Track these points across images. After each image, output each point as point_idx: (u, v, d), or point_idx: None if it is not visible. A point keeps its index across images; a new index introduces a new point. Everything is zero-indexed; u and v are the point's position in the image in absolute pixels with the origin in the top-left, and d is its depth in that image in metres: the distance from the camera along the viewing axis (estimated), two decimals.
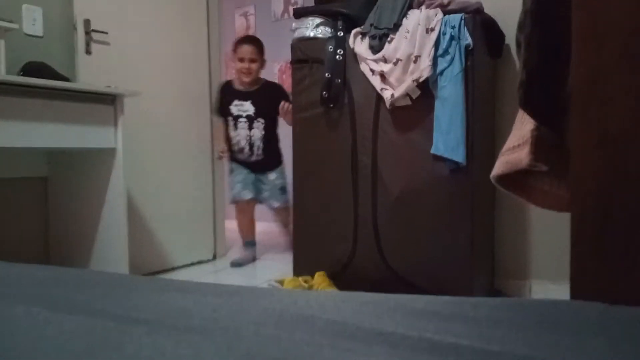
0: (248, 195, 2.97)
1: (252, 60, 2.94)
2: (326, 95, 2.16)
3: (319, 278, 2.09)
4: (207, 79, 3.13)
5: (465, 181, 1.93)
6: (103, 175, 2.26)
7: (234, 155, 3.00)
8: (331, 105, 2.17)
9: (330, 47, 2.16)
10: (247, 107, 2.95)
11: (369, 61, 2.06)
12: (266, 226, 4.34)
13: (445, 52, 1.91)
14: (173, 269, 2.88)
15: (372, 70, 2.05)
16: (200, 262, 3.05)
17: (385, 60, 2.01)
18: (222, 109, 3.01)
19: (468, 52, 1.90)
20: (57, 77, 2.18)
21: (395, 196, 2.04)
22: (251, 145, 2.96)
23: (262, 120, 2.95)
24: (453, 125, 1.90)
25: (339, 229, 2.17)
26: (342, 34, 2.17)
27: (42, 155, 2.46)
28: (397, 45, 1.98)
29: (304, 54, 2.25)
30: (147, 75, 2.76)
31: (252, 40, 3.07)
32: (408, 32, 1.96)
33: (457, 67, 1.90)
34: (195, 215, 3.04)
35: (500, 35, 2.14)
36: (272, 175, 3.03)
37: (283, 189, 3.04)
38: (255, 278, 2.61)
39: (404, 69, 1.96)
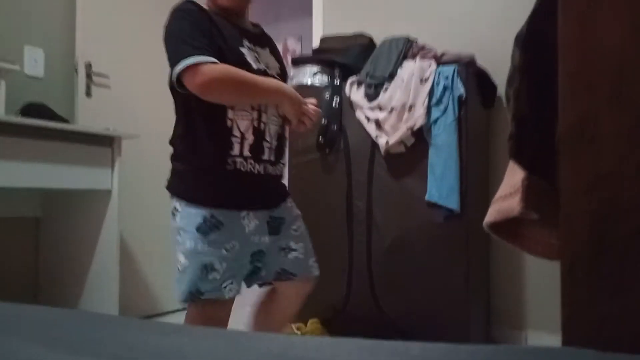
0: (235, 289, 1.32)
1: None
2: (322, 141, 2.20)
3: (312, 325, 2.06)
4: None
5: (459, 228, 1.94)
6: (97, 217, 2.25)
7: (222, 173, 1.30)
8: (327, 151, 2.21)
9: (327, 94, 2.22)
10: (270, 60, 1.43)
11: (364, 109, 2.11)
12: None
13: (439, 101, 1.97)
14: (163, 313, 2.83)
15: (368, 118, 2.10)
16: None
17: (380, 108, 2.06)
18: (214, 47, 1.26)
19: (461, 102, 1.95)
20: (56, 118, 2.21)
21: (389, 242, 2.04)
22: (274, 142, 1.39)
23: None
24: (447, 172, 1.93)
25: (333, 274, 2.16)
26: (338, 82, 2.23)
27: (36, 195, 2.46)
28: (392, 94, 2.04)
29: None
30: (145, 118, 2.80)
31: None
32: (403, 82, 2.02)
33: (450, 116, 1.94)
34: None
35: (492, 87, 2.21)
36: (294, 210, 1.48)
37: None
38: (243, 325, 2.55)
39: (398, 117, 2.01)
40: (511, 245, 0.87)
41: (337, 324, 2.12)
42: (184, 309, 2.89)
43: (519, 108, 0.69)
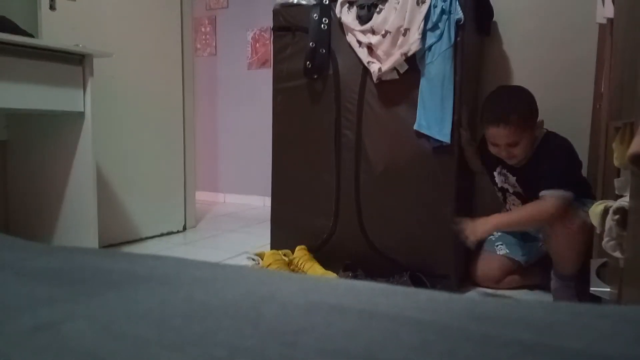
0: None
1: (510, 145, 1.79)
2: (310, 66, 2.09)
3: (300, 252, 2.05)
4: (179, 41, 2.98)
5: (449, 159, 1.91)
6: (70, 141, 2.12)
7: None
8: (315, 77, 2.10)
9: (315, 15, 2.07)
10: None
11: (356, 32, 1.99)
12: (241, 198, 4.27)
13: (435, 26, 1.87)
14: (141, 239, 2.78)
15: (359, 42, 1.98)
16: (169, 234, 2.95)
17: (373, 32, 1.95)
18: None
19: (458, 27, 1.85)
20: (20, 32, 2.01)
21: (379, 172, 2.01)
22: None
23: None
24: (439, 104, 1.87)
25: (320, 203, 2.13)
26: (327, 1, 2.08)
27: (1, 118, 2.30)
28: (387, 17, 1.92)
29: (287, 21, 2.16)
30: (115, 35, 2.60)
31: (505, 117, 1.75)
32: (398, 3, 1.90)
33: (445, 42, 1.85)
34: (165, 185, 2.92)
35: (490, 11, 2.11)
36: None
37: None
38: (229, 251, 2.54)
39: (392, 42, 1.90)
40: None
41: (323, 252, 2.11)
42: (161, 234, 2.86)
43: None
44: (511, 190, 1.96)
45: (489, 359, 0.33)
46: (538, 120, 1.82)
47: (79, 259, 0.47)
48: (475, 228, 1.74)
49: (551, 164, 1.78)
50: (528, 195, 1.87)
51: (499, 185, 2.00)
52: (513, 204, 1.98)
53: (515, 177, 1.92)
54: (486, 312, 0.38)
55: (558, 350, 0.34)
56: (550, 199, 1.71)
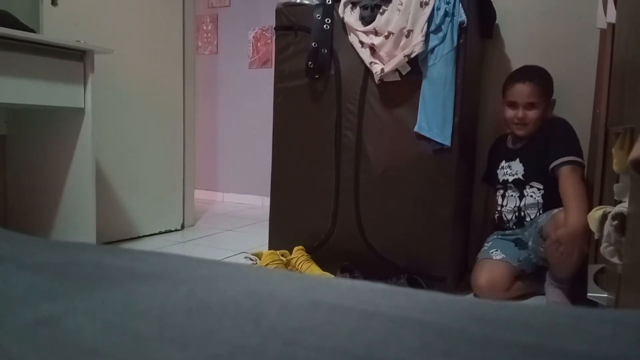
0: None
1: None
2: (312, 66, 2.09)
3: (297, 253, 2.05)
4: (180, 39, 2.98)
5: (449, 162, 1.91)
6: (69, 137, 2.12)
7: None
8: (316, 77, 2.10)
9: (317, 14, 2.08)
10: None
11: (358, 33, 1.99)
12: (239, 197, 4.27)
13: (438, 28, 1.87)
14: (139, 237, 2.78)
15: (362, 43, 1.98)
16: (167, 232, 2.95)
17: (376, 33, 1.95)
18: None
19: (461, 29, 1.85)
20: (21, 27, 2.01)
21: (378, 173, 2.00)
22: None
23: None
24: (440, 106, 1.87)
25: (319, 204, 2.13)
26: (330, 1, 2.08)
27: (1, 112, 2.29)
28: (390, 18, 1.92)
29: (289, 21, 2.16)
30: (117, 32, 2.59)
31: (532, 76, 1.96)
32: (401, 4, 1.90)
33: (448, 45, 1.85)
34: (164, 183, 2.92)
35: (493, 14, 2.11)
36: None
37: None
38: (227, 250, 2.54)
39: (395, 43, 1.90)
40: None
41: (321, 253, 2.11)
42: (159, 232, 2.86)
43: None
44: (511, 180, 2.05)
45: None
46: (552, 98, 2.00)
47: (80, 255, 0.47)
48: (573, 239, 1.71)
49: (560, 133, 1.94)
50: (528, 173, 2.00)
51: (502, 179, 2.08)
52: (511, 196, 2.04)
53: (518, 158, 2.03)
54: (487, 314, 0.38)
55: (558, 352, 0.34)
56: (565, 171, 1.86)
